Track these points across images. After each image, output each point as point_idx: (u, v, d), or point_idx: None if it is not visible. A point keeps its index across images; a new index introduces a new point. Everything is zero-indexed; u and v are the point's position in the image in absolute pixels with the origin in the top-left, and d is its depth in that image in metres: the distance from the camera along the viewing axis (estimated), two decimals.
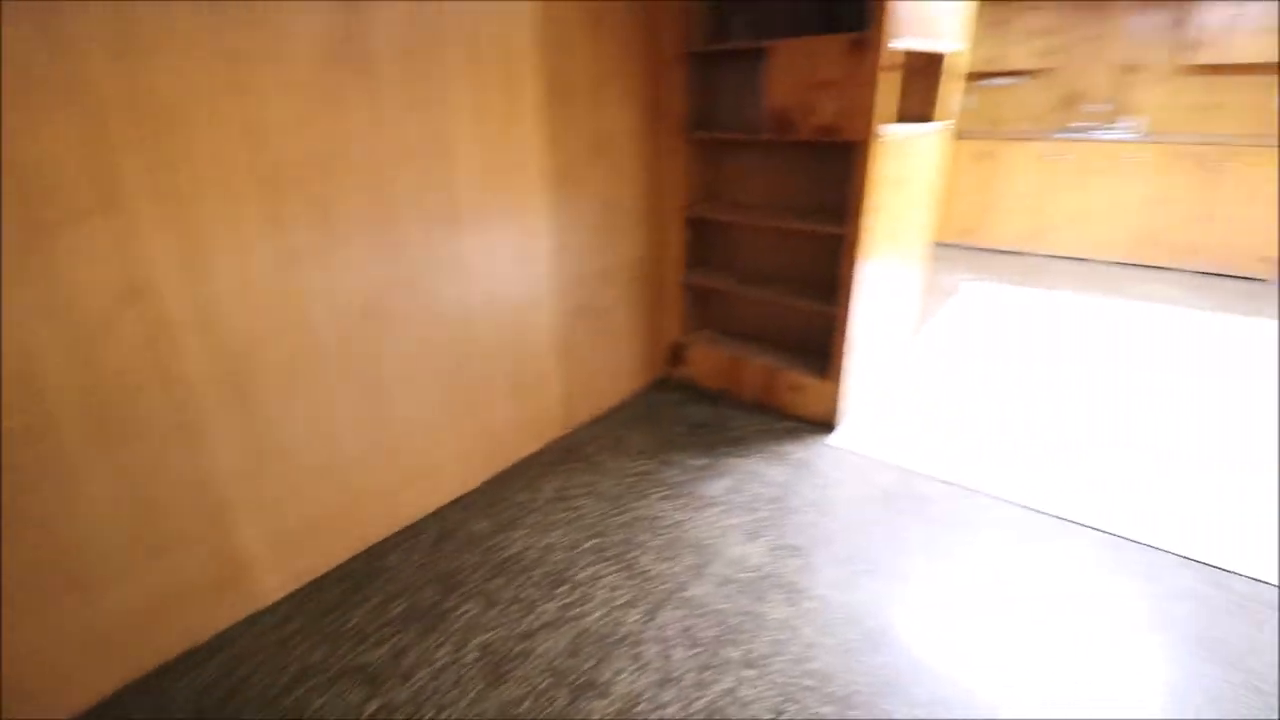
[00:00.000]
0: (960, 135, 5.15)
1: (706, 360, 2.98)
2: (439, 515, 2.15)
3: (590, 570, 1.90)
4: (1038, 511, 2.12)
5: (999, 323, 3.73)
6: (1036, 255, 5.11)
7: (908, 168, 2.53)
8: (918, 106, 2.65)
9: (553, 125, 2.18)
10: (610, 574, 1.88)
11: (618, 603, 1.77)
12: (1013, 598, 1.77)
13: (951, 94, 2.69)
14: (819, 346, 2.71)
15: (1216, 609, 1.72)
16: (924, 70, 2.59)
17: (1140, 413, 2.70)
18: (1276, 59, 4.17)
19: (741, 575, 1.87)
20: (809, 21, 2.48)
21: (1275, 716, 1.42)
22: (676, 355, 3.06)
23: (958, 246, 5.44)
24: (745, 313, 3.09)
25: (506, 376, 2.28)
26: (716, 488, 2.29)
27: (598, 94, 2.34)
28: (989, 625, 1.69)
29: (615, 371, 2.86)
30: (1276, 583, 1.80)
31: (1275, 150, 4.06)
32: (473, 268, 2.04)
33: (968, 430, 2.61)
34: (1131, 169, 4.55)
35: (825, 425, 2.66)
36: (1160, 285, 4.35)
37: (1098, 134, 4.81)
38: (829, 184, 2.57)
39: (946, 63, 2.58)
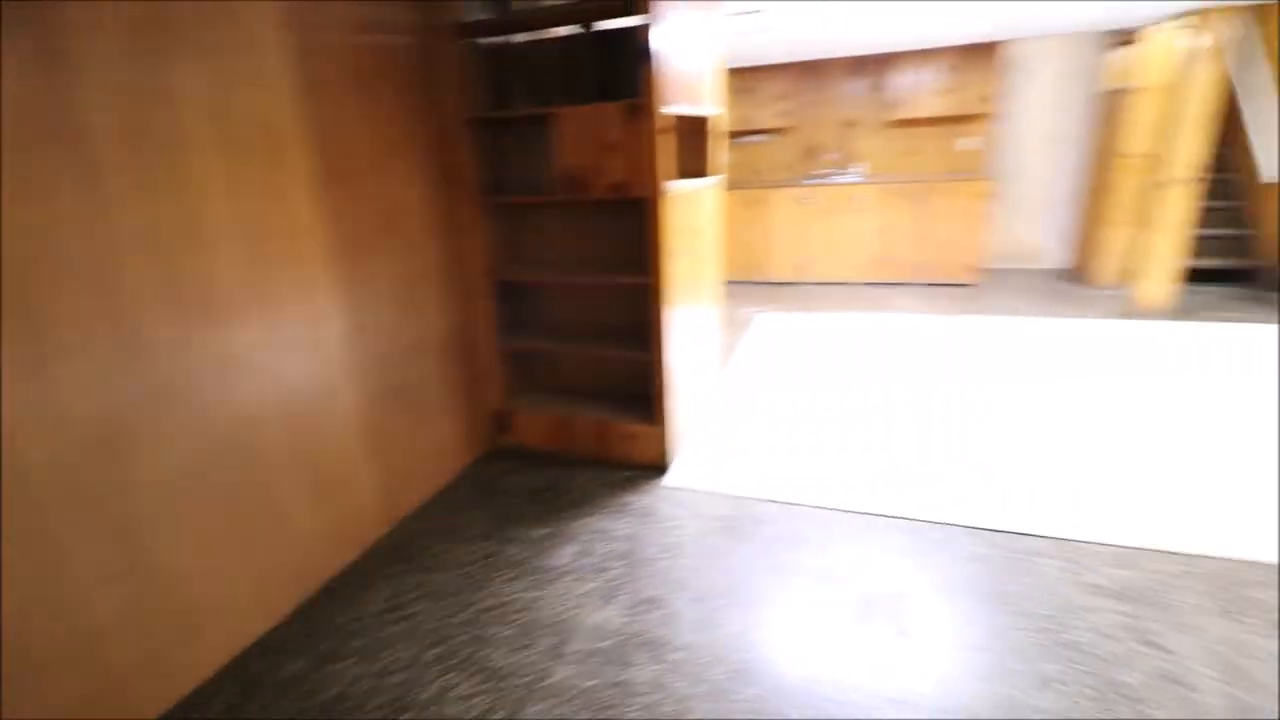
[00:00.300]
0: (731, 186, 5.77)
1: (535, 423, 2.89)
2: (238, 666, 1.77)
3: (437, 685, 1.68)
4: (855, 512, 2.34)
5: (791, 345, 4.16)
6: (806, 284, 5.84)
7: (695, 217, 2.73)
8: (694, 163, 2.89)
9: (334, 199, 2.00)
10: (461, 683, 1.69)
11: (473, 715, 1.59)
12: (849, 593, 1.92)
13: (719, 151, 2.98)
14: (642, 393, 2.77)
15: (999, 566, 2.02)
16: (693, 132, 2.84)
17: (915, 407, 3.15)
18: (951, 113, 5.31)
19: (603, 644, 1.78)
20: (585, 88, 2.60)
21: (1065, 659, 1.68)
22: (502, 423, 2.94)
23: (744, 282, 6.02)
24: (568, 370, 3.08)
25: (306, 483, 1.99)
26: (564, 555, 2.19)
27: (383, 164, 2.21)
28: (837, 626, 1.80)
29: (438, 451, 2.65)
30: (1039, 533, 2.16)
31: (962, 182, 5.13)
32: (248, 365, 1.76)
33: (786, 448, 2.83)
34: (863, 205, 5.43)
35: (659, 468, 2.71)
36: (901, 297, 5.20)
37: (835, 178, 5.70)
38: (627, 237, 2.69)
39: (711, 124, 2.87)
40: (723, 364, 3.87)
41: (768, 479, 2.60)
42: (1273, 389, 3.11)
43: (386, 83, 2.20)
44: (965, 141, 5.53)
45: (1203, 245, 5.00)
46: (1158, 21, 4.30)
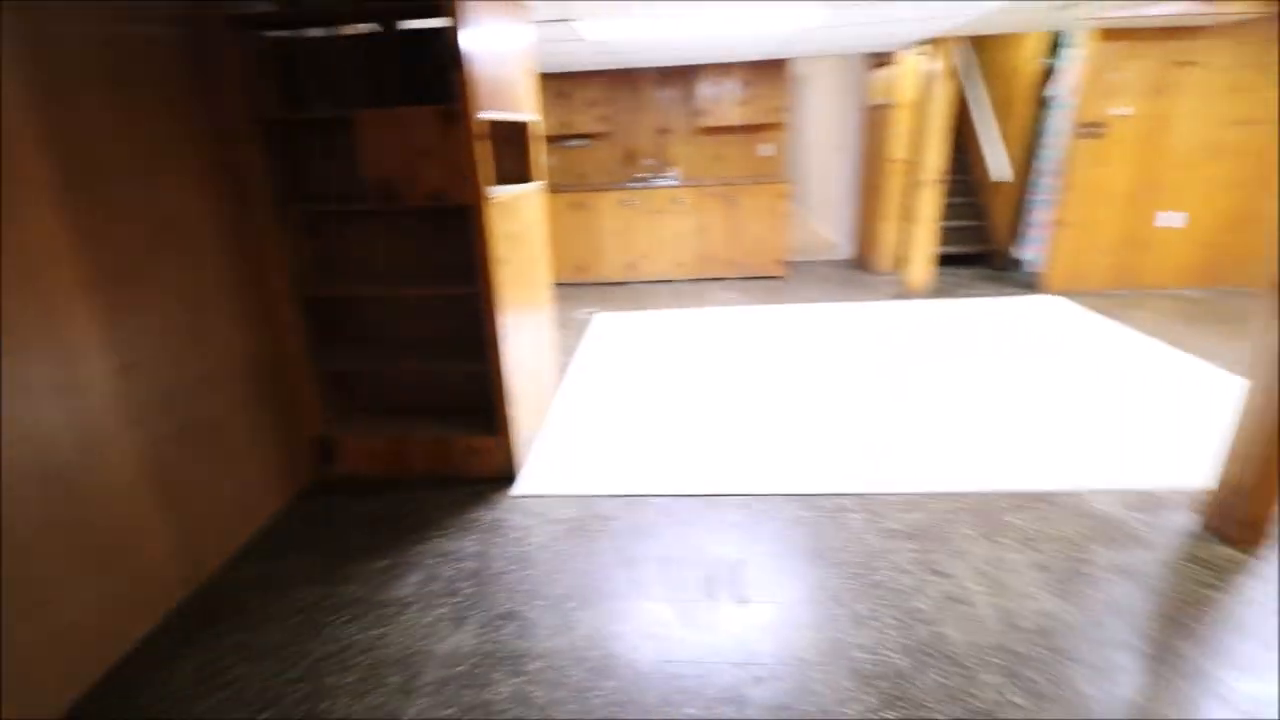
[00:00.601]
0: (556, 189, 5.81)
1: (363, 448, 2.69)
2: None
3: None
4: (693, 495, 2.49)
5: (628, 342, 4.30)
6: (637, 283, 6.06)
7: (520, 223, 2.72)
8: (515, 169, 2.87)
9: (87, 216, 1.70)
10: None
11: None
12: (693, 572, 2.04)
13: (539, 156, 2.99)
14: (482, 404, 2.70)
15: (817, 525, 2.27)
16: (512, 137, 2.83)
17: (741, 390, 3.42)
18: (750, 122, 5.81)
19: (458, 669, 1.72)
20: (391, 90, 2.47)
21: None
22: (326, 452, 2.69)
23: (577, 284, 6.10)
24: (398, 388, 2.90)
25: (75, 551, 1.67)
26: (407, 585, 2.07)
27: (150, 174, 1.91)
28: (684, 604, 1.90)
29: (249, 492, 2.36)
30: (846, 491, 2.46)
31: (765, 185, 5.65)
32: None
33: (629, 444, 2.92)
34: (682, 207, 5.77)
35: (506, 479, 2.67)
36: (722, 291, 5.61)
37: (654, 182, 5.98)
38: (452, 246, 2.60)
39: (530, 130, 2.87)
40: (563, 367, 3.90)
41: (613, 476, 2.67)
42: (1015, 348, 3.83)
43: (149, 81, 1.91)
44: (765, 148, 6.10)
45: (952, 235, 6.01)
46: (906, 47, 5.08)
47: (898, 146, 5.36)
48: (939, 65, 4.66)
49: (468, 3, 2.12)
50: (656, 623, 1.86)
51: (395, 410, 2.89)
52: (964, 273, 5.85)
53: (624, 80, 5.93)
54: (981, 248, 6.03)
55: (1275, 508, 2.03)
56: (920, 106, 4.93)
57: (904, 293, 5.24)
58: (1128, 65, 4.42)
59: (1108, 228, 4.83)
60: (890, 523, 2.28)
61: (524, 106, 2.79)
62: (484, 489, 2.62)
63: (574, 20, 3.24)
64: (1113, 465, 2.56)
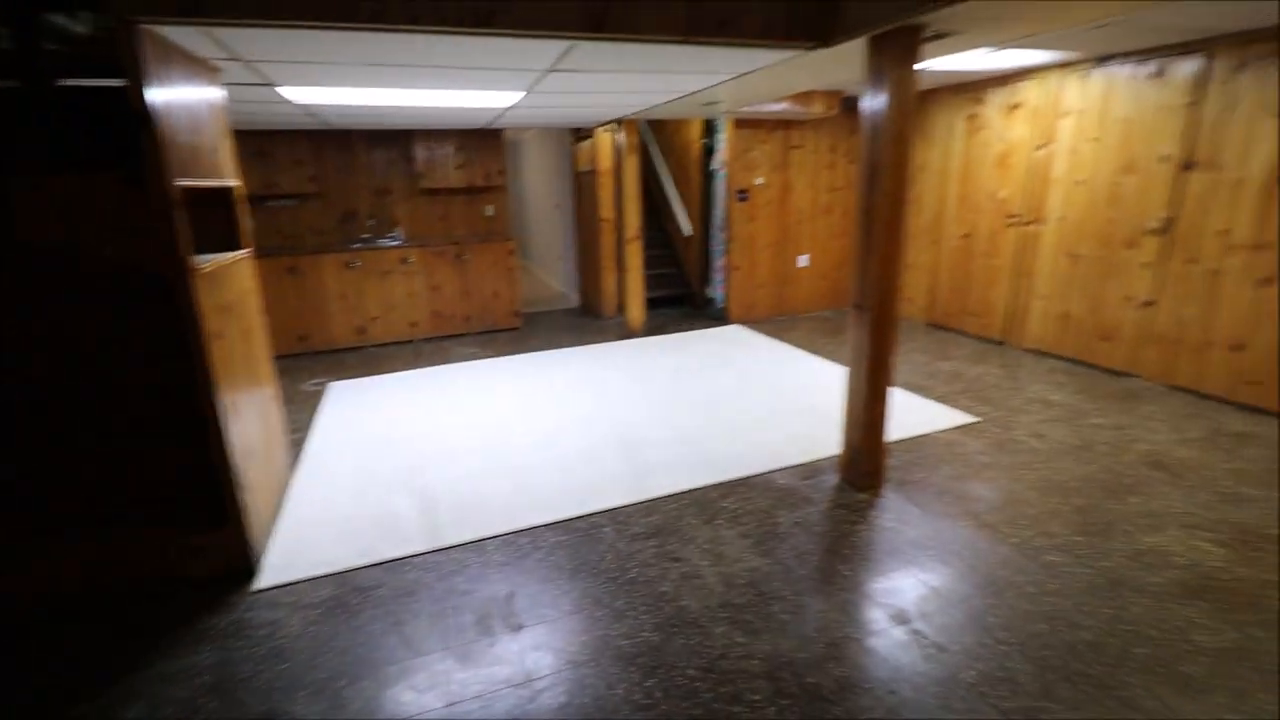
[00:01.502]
0: (266, 253, 5.32)
1: (46, 571, 2.19)
2: None
3: None
4: (455, 546, 2.56)
5: (369, 408, 4.13)
6: (370, 347, 5.81)
7: (232, 293, 2.54)
8: (219, 234, 2.68)
9: None
10: None
11: None
12: (466, 616, 2.13)
13: (244, 220, 2.83)
14: (204, 495, 2.41)
15: (576, 545, 2.54)
16: (213, 201, 2.64)
17: (492, 435, 3.56)
18: (470, 184, 6.07)
19: None
20: (52, 153, 2.15)
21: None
22: None
23: (304, 354, 5.61)
24: (88, 487, 2.43)
25: None
26: None
27: None
28: (462, 647, 1.98)
29: None
30: (597, 509, 2.78)
31: (491, 244, 5.94)
32: None
33: (383, 508, 2.85)
34: (412, 267, 5.76)
35: (243, 573, 2.41)
36: (461, 347, 5.70)
37: (379, 243, 5.86)
38: (152, 321, 2.32)
39: (235, 193, 2.71)
40: (299, 443, 3.60)
41: (368, 546, 2.60)
42: (712, 368, 4.65)
43: None
44: (489, 208, 6.42)
45: (659, 280, 7.02)
46: (598, 124, 5.90)
47: (604, 207, 6.14)
48: (626, 140, 5.52)
49: (150, 61, 2.00)
50: (435, 673, 1.91)
51: (85, 516, 2.41)
52: (672, 312, 6.85)
53: (334, 140, 5.75)
54: (683, 290, 7.14)
55: (884, 460, 2.90)
56: (616, 174, 5.75)
57: (626, 333, 5.96)
58: (759, 147, 5.79)
59: (764, 269, 6.17)
60: (635, 528, 2.66)
61: (224, 170, 2.64)
62: (216, 590, 2.33)
63: (276, 85, 3.15)
64: (788, 448, 3.32)
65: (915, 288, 5.85)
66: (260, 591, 2.34)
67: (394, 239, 6.04)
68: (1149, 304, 4.00)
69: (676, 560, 2.43)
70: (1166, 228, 3.85)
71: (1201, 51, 3.55)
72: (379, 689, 1.85)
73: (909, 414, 3.72)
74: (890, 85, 2.36)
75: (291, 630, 2.13)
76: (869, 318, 2.65)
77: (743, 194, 5.85)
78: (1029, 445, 3.28)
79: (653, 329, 6.08)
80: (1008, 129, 4.74)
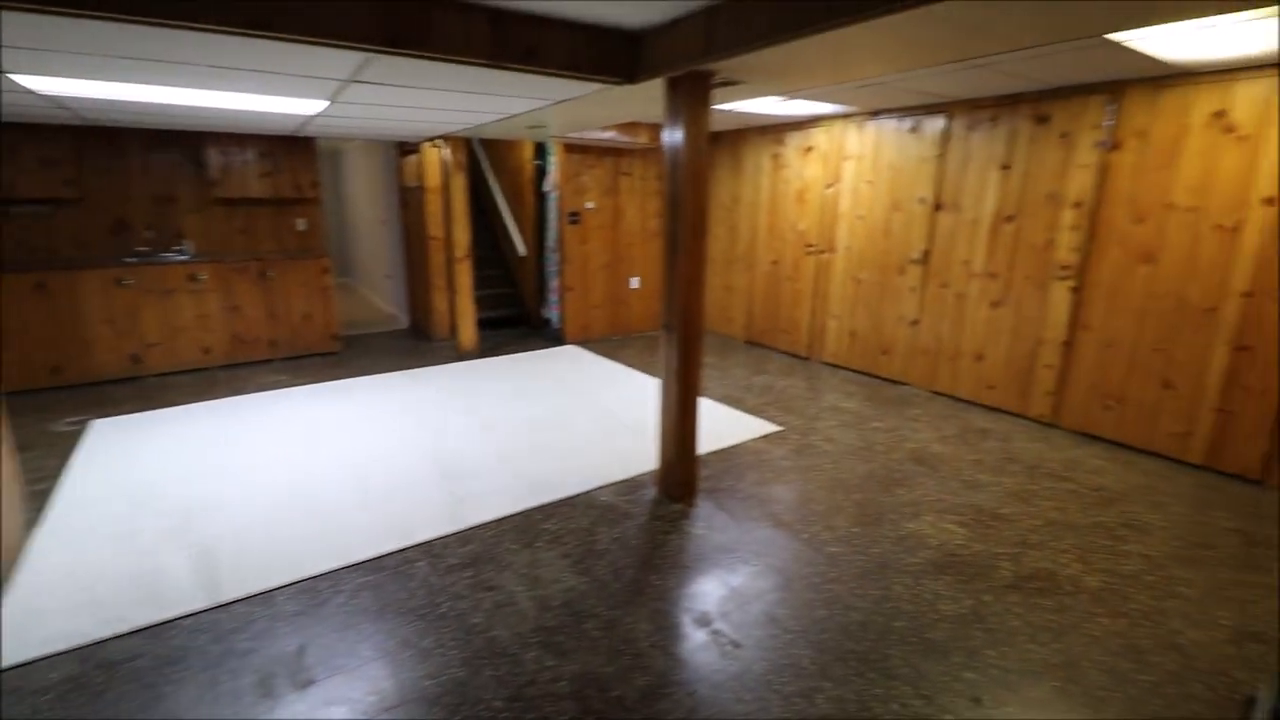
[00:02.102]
0: (8, 268, 4.42)
1: None
2: None
3: None
4: (238, 600, 2.29)
5: (144, 447, 3.56)
6: (148, 377, 5.05)
7: None
8: None
9: None
10: None
11: None
12: (244, 679, 1.90)
13: None
14: None
15: (384, 585, 2.38)
16: None
17: (286, 474, 3.24)
18: (277, 195, 5.54)
19: None
20: None
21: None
22: None
23: (53, 389, 4.71)
24: None
25: None
26: None
27: None
28: (240, 712, 1.76)
29: None
30: (408, 544, 2.63)
31: (304, 260, 5.46)
32: None
33: (148, 565, 2.47)
34: (204, 285, 5.11)
35: None
36: (265, 374, 5.15)
37: (161, 257, 5.13)
38: None
39: None
40: (43, 495, 3.00)
41: (125, 610, 2.23)
42: (544, 389, 4.64)
43: None
44: (301, 222, 5.90)
45: (496, 301, 6.89)
46: (425, 139, 5.70)
47: (433, 225, 5.92)
48: (452, 157, 5.39)
49: None
50: None
51: None
52: (509, 333, 6.76)
53: (100, 138, 4.96)
54: (520, 311, 7.08)
55: (696, 470, 3.07)
56: (445, 191, 5.58)
57: (457, 355, 5.76)
58: (589, 171, 5.95)
59: (598, 290, 6.32)
60: (451, 560, 2.55)
61: None
62: None
63: (9, 72, 2.65)
64: (612, 465, 3.40)
65: (736, 309, 6.32)
66: None
67: (180, 253, 5.32)
68: (915, 322, 4.68)
69: (491, 589, 2.37)
70: (924, 258, 4.55)
71: (944, 112, 4.27)
72: None
73: (724, 426, 3.99)
74: (686, 123, 2.55)
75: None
76: (676, 338, 2.81)
77: (574, 216, 5.96)
78: (822, 449, 3.67)
79: (486, 350, 5.95)
80: (804, 168, 5.33)
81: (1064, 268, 3.80)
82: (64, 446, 3.66)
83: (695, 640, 2.11)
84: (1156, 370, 3.51)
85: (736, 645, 2.08)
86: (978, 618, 2.24)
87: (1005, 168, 4.00)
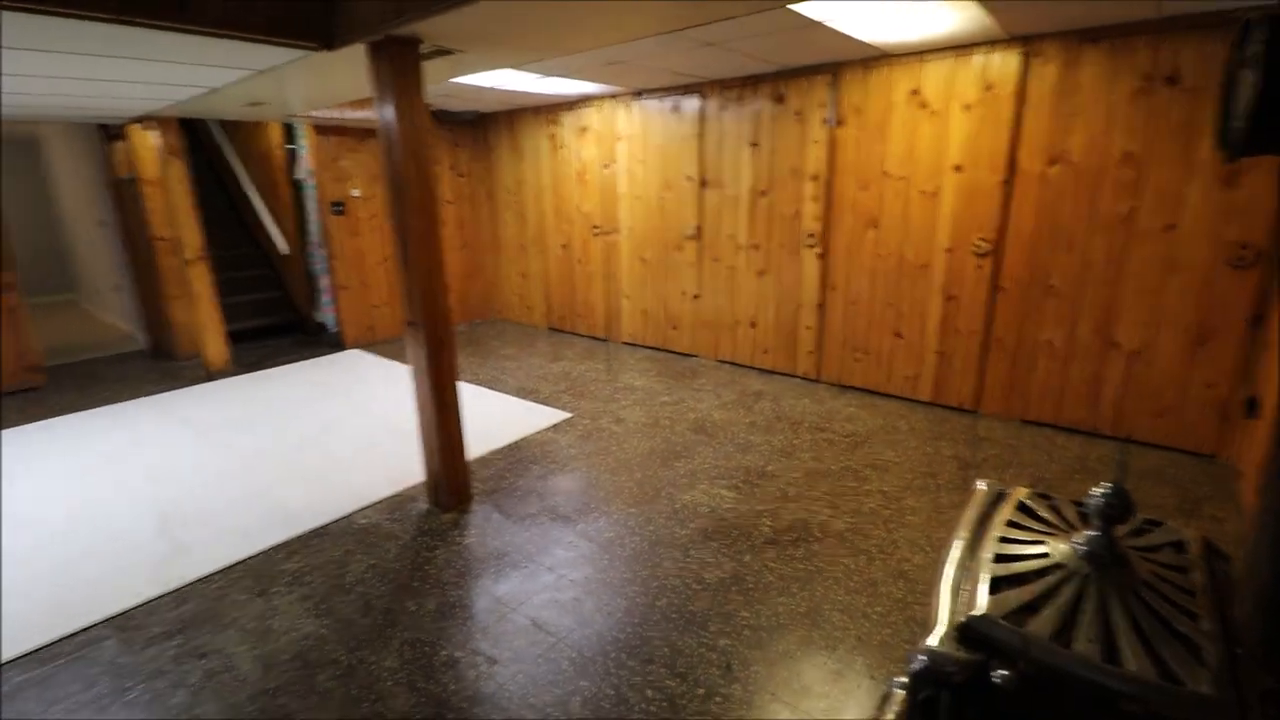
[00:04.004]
0: None
1: None
2: None
3: None
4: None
5: None
6: None
7: None
8: None
9: None
10: None
11: None
12: None
13: None
14: None
15: (51, 679, 1.88)
16: None
17: None
18: None
19: None
20: None
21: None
22: None
23: None
24: None
25: None
26: None
27: None
28: None
29: None
30: (94, 620, 2.12)
31: None
32: None
33: None
34: None
35: None
36: None
37: None
38: None
39: None
40: None
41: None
42: (311, 403, 4.10)
43: None
44: None
45: (258, 307, 6.02)
46: (123, 121, 4.72)
47: (158, 224, 4.97)
48: (165, 142, 4.53)
49: None
50: None
51: None
52: (279, 342, 5.95)
53: None
54: (291, 316, 6.26)
55: (466, 474, 2.86)
56: (162, 183, 4.69)
57: (205, 375, 4.94)
58: (350, 155, 5.36)
59: (380, 287, 5.78)
60: (154, 629, 2.10)
61: None
62: None
63: None
64: (379, 481, 3.07)
65: (534, 295, 6.14)
66: None
67: None
68: (696, 296, 4.85)
69: (203, 656, 1.98)
70: (698, 234, 4.70)
71: (698, 92, 4.41)
72: None
73: (512, 420, 3.81)
74: (396, 96, 2.28)
75: None
76: (423, 335, 2.56)
77: (337, 206, 5.35)
78: (610, 431, 3.65)
79: (247, 365, 5.17)
80: (581, 149, 5.26)
81: (810, 235, 4.12)
82: None
83: (449, 666, 1.92)
84: (889, 322, 3.95)
85: (493, 662, 1.93)
86: (736, 580, 2.31)
87: (755, 145, 4.23)
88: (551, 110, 5.37)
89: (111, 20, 1.85)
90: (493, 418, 3.84)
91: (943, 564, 1.17)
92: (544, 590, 2.27)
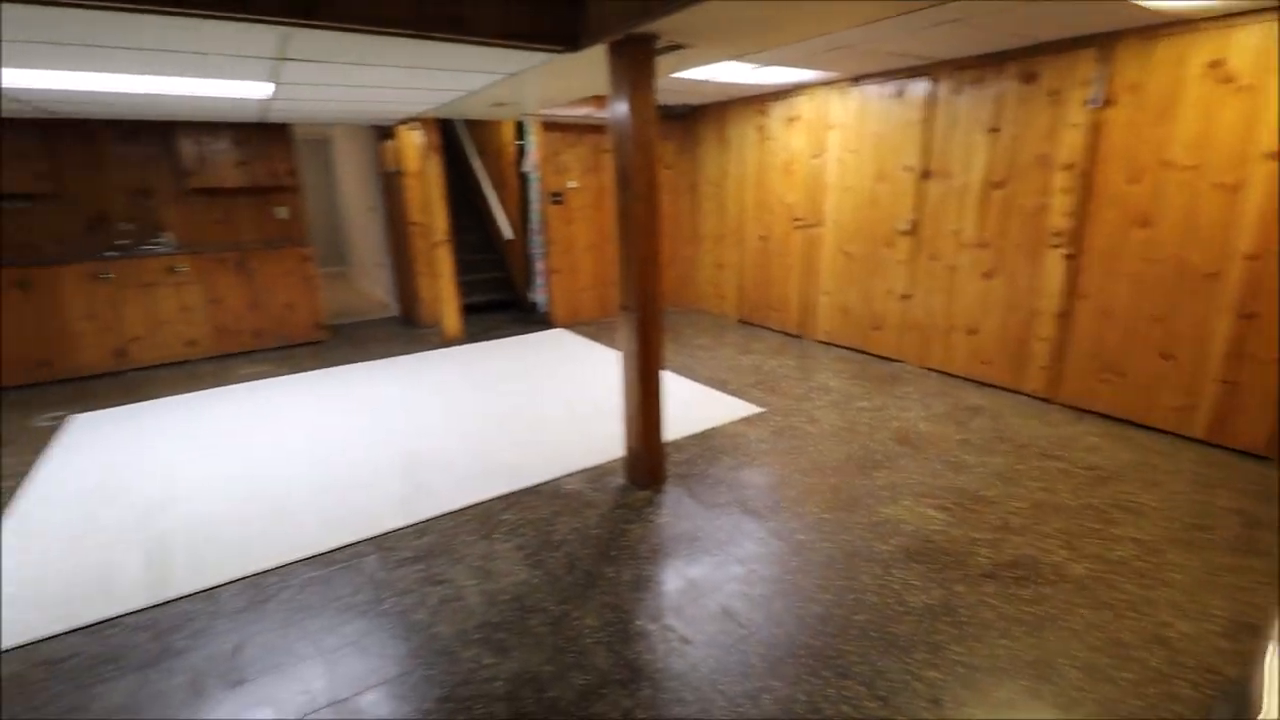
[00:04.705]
0: None
1: None
2: None
3: None
4: (182, 597, 2.24)
5: (121, 441, 3.53)
6: (131, 371, 5.03)
7: None
8: None
9: None
10: None
11: None
12: (176, 680, 1.85)
13: None
14: None
15: (333, 580, 2.31)
16: None
17: (260, 467, 3.18)
18: (255, 184, 5.45)
19: None
20: None
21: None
22: None
23: (37, 385, 4.72)
24: None
25: None
26: None
27: None
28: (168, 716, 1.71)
29: None
30: (359, 538, 2.56)
31: (285, 250, 5.39)
32: None
33: (106, 560, 2.43)
34: (184, 277, 5.06)
35: None
36: (249, 365, 5.11)
37: (140, 249, 5.09)
38: None
39: None
40: (9, 492, 2.99)
41: (71, 608, 2.19)
42: (527, 374, 4.55)
43: None
44: (282, 211, 5.82)
45: (484, 285, 6.79)
46: (393, 122, 5.57)
47: (414, 210, 5.81)
48: (426, 140, 5.26)
49: None
50: None
51: None
52: (498, 317, 6.67)
53: (69, 131, 4.90)
54: (509, 295, 6.97)
55: (663, 456, 2.96)
56: (421, 175, 5.46)
57: (441, 341, 5.68)
58: (569, 150, 5.78)
59: (586, 272, 6.19)
60: (403, 553, 2.48)
61: None
62: None
63: None
64: (582, 452, 3.30)
65: (727, 286, 6.16)
66: None
67: (159, 246, 5.28)
68: (906, 296, 4.50)
69: (440, 583, 2.30)
70: (913, 229, 4.35)
71: (927, 75, 4.05)
72: None
73: (704, 408, 3.86)
74: (631, 92, 2.40)
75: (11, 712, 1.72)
76: (634, 319, 2.68)
77: (557, 196, 5.81)
78: (803, 431, 3.54)
79: (473, 336, 5.86)
80: (790, 139, 5.12)
81: (1057, 234, 3.60)
82: (40, 442, 3.65)
83: (643, 636, 2.01)
84: (1156, 340, 3.32)
85: (686, 641, 1.98)
86: (947, 610, 2.12)
87: (993, 130, 3.78)
88: (761, 100, 5.31)
89: (412, 36, 2.18)
90: (685, 404, 3.93)
91: (1266, 640, 0.95)
92: (734, 581, 2.27)
